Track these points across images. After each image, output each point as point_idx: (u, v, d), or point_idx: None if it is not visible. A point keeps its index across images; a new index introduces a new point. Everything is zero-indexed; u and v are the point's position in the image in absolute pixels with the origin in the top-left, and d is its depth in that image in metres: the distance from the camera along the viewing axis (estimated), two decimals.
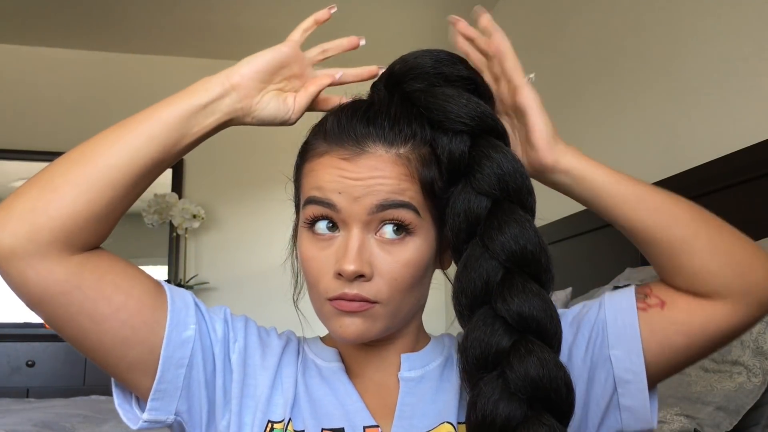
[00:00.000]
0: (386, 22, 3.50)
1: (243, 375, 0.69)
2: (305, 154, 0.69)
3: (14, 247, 0.58)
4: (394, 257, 0.64)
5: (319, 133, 0.68)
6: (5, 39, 3.67)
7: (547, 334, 0.60)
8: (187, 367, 0.65)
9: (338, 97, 0.72)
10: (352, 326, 0.64)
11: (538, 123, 0.68)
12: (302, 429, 0.67)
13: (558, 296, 2.09)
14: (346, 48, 0.73)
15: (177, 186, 3.71)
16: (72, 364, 3.18)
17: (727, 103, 1.80)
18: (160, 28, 3.58)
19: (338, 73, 0.72)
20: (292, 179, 0.72)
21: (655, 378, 0.68)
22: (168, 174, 3.73)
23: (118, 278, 0.62)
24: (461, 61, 0.70)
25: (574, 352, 0.68)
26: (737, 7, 1.77)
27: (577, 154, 0.69)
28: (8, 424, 1.79)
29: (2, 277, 0.60)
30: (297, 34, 0.71)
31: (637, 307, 0.67)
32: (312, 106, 0.71)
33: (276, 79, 0.69)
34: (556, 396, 0.58)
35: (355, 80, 0.73)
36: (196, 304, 0.69)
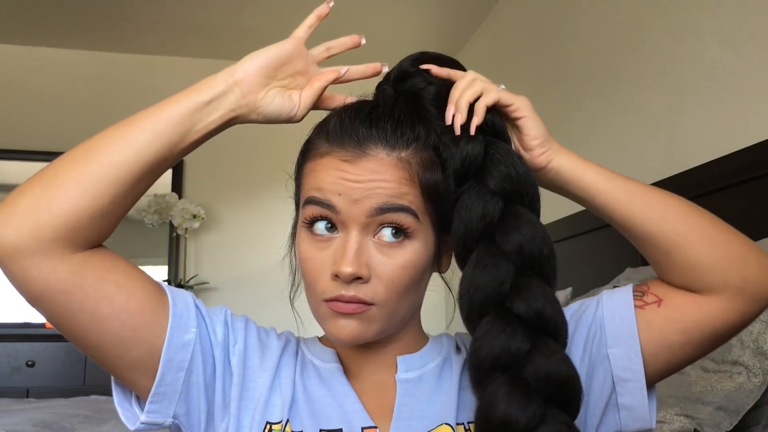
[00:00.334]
0: (386, 22, 3.50)
1: (242, 378, 0.69)
2: (307, 154, 0.69)
3: (17, 244, 0.58)
4: (391, 260, 0.64)
5: (321, 132, 0.68)
6: (5, 39, 3.67)
7: (559, 333, 0.61)
8: (187, 370, 0.65)
9: (343, 96, 0.72)
10: (348, 328, 0.65)
11: (531, 126, 0.69)
12: (300, 430, 0.67)
13: (558, 296, 2.09)
14: (349, 46, 0.73)
15: (177, 186, 3.71)
16: (72, 364, 3.18)
17: (726, 103, 1.80)
18: (160, 28, 3.58)
19: (344, 68, 0.72)
20: (293, 177, 0.73)
21: (653, 377, 0.68)
22: (168, 174, 3.73)
23: (120, 279, 0.62)
24: (458, 63, 0.72)
25: (572, 351, 0.68)
26: (737, 7, 1.77)
27: (569, 154, 0.70)
28: (8, 424, 1.79)
29: (5, 274, 0.60)
30: (301, 31, 0.71)
31: (635, 305, 0.68)
32: (317, 104, 0.71)
33: (280, 76, 0.68)
34: (569, 394, 0.59)
35: (360, 77, 0.73)
36: (197, 307, 0.68)
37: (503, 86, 0.69)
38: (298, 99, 0.69)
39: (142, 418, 0.65)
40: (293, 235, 0.73)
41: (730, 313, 0.66)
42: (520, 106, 0.68)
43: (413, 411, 0.68)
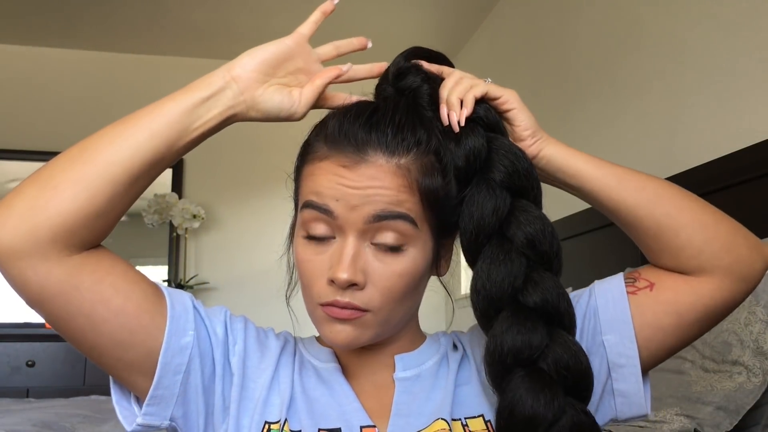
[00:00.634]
0: (386, 22, 3.49)
1: (242, 378, 0.69)
2: (306, 156, 0.69)
3: (14, 245, 0.57)
4: (388, 267, 0.64)
5: (320, 134, 0.68)
6: (5, 39, 3.67)
7: (572, 325, 0.63)
8: (185, 373, 0.65)
9: (344, 95, 0.71)
10: (343, 333, 0.65)
11: (521, 118, 0.69)
12: (299, 429, 0.67)
13: None
14: (356, 47, 0.73)
15: (177, 186, 3.71)
16: (72, 364, 3.18)
17: (726, 103, 1.80)
18: (160, 28, 3.58)
19: (346, 66, 0.71)
20: (293, 177, 0.72)
21: (648, 362, 0.69)
22: (168, 174, 3.73)
23: (118, 281, 0.62)
24: (445, 58, 0.73)
25: None
26: (737, 8, 1.77)
27: (558, 144, 0.70)
28: (8, 424, 1.79)
29: (3, 275, 0.60)
30: (305, 28, 0.70)
31: (627, 291, 0.69)
32: (318, 102, 0.71)
33: (280, 73, 0.67)
34: (584, 384, 0.61)
35: (364, 77, 0.73)
36: (196, 309, 0.68)
37: (490, 80, 0.70)
38: (299, 96, 0.68)
39: (139, 420, 0.64)
40: (291, 234, 0.73)
41: (722, 293, 0.67)
42: (508, 98, 0.69)
43: (411, 408, 0.68)
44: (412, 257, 0.65)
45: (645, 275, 0.71)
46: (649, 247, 0.70)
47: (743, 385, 1.18)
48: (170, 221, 3.52)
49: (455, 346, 0.75)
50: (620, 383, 0.68)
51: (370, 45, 0.73)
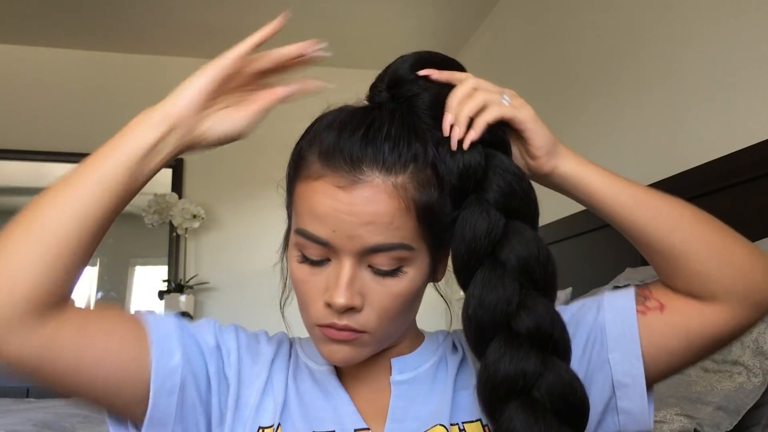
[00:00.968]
0: (386, 22, 3.49)
1: (238, 386, 0.68)
2: (299, 170, 0.66)
3: None
4: (386, 289, 0.63)
5: (313, 147, 0.65)
6: (5, 39, 3.67)
7: (566, 352, 0.61)
8: (179, 392, 0.64)
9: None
10: (341, 353, 0.65)
11: (537, 137, 0.67)
12: None
13: (558, 296, 2.09)
14: (296, 54, 0.67)
15: (177, 186, 3.71)
16: None
17: (726, 103, 1.80)
18: (160, 28, 3.58)
19: (284, 89, 0.67)
20: (284, 183, 0.70)
21: (652, 380, 0.68)
22: (168, 174, 3.73)
23: (93, 325, 0.61)
24: (459, 65, 0.70)
25: (572, 353, 0.68)
26: (736, 8, 1.77)
27: (576, 159, 0.69)
28: (8, 424, 1.79)
29: None
30: (243, 47, 0.67)
31: (637, 310, 0.67)
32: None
33: (219, 99, 0.65)
34: (580, 412, 0.60)
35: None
36: (181, 328, 0.67)
37: (507, 99, 0.66)
38: (242, 118, 0.66)
39: None
40: (285, 245, 0.71)
41: (733, 320, 0.65)
42: (524, 119, 0.66)
43: (407, 412, 0.68)
44: (410, 277, 0.64)
45: (656, 295, 0.69)
46: (662, 268, 0.68)
47: (743, 385, 1.18)
48: (170, 221, 3.52)
49: (455, 347, 0.74)
50: (625, 401, 0.67)
51: (318, 48, 0.67)
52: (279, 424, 0.67)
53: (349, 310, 0.63)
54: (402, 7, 3.39)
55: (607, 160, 2.33)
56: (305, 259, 0.64)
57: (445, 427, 0.66)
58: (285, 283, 0.73)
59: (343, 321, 0.63)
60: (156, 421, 0.63)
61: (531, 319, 0.60)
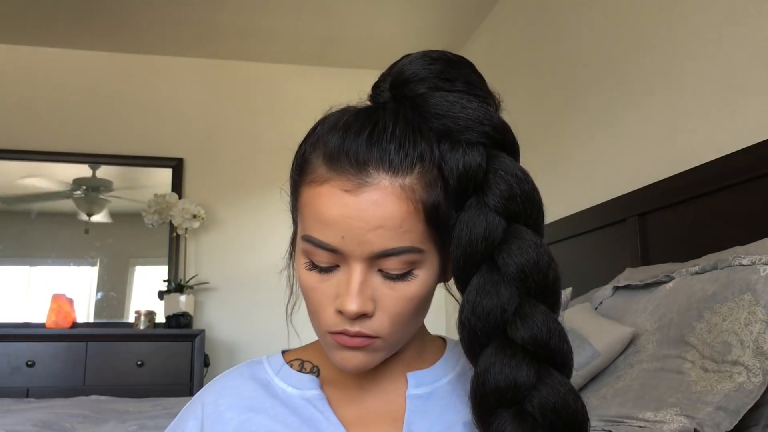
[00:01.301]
0: (386, 22, 3.49)
1: None
2: (304, 174, 0.65)
3: None
4: (397, 293, 0.62)
5: (317, 150, 0.63)
6: (5, 39, 3.67)
7: (565, 364, 0.60)
8: None
9: None
10: (354, 360, 0.63)
11: None
12: None
13: None
14: None
15: (177, 186, 3.71)
16: (72, 364, 3.18)
17: (726, 104, 1.80)
18: (160, 28, 3.58)
19: None
20: (288, 190, 0.69)
21: None
22: (168, 174, 3.73)
23: None
24: (468, 64, 0.67)
25: None
26: (736, 8, 1.77)
27: None
28: (8, 424, 1.79)
29: None
30: None
31: None
32: None
33: None
34: (575, 427, 0.58)
35: None
36: None
37: None
38: None
39: None
40: (292, 251, 0.70)
41: None
42: None
43: (421, 428, 0.66)
44: (421, 280, 0.63)
45: None
46: None
47: (743, 385, 1.18)
48: (170, 221, 3.52)
49: None
50: None
51: None
52: None
53: (361, 316, 0.61)
54: (402, 8, 3.39)
55: (607, 160, 2.33)
56: (314, 266, 0.63)
57: None
58: (291, 289, 0.72)
59: (356, 327, 0.61)
60: None
61: (527, 327, 0.58)
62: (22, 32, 3.60)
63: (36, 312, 3.48)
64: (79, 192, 3.73)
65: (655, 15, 2.13)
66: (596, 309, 1.82)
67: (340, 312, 0.61)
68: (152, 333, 3.34)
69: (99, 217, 3.72)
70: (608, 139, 2.36)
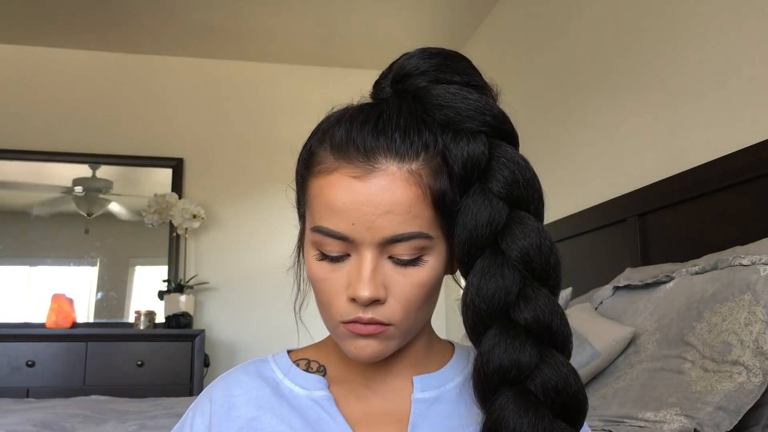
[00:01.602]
0: (386, 22, 3.49)
1: None
2: (311, 167, 0.66)
3: None
4: (408, 279, 0.63)
5: (324, 142, 0.65)
6: (5, 39, 3.67)
7: (565, 346, 0.61)
8: None
9: None
10: (368, 348, 0.64)
11: None
12: None
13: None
14: None
15: (177, 186, 3.71)
16: (72, 364, 3.18)
17: (726, 104, 1.80)
18: (160, 28, 3.58)
19: None
20: (294, 185, 0.70)
21: None
22: (168, 174, 3.73)
23: None
24: (465, 58, 0.68)
25: None
26: (736, 8, 1.77)
27: None
28: (8, 424, 1.79)
29: None
30: None
31: None
32: None
33: None
34: (576, 408, 0.59)
35: None
36: None
37: None
38: None
39: None
40: (299, 247, 0.71)
41: None
42: None
43: None
44: (431, 266, 0.64)
45: None
46: None
47: (743, 385, 1.18)
48: (170, 221, 3.52)
49: None
50: None
51: None
52: None
53: (374, 302, 0.62)
54: (402, 8, 3.39)
55: (607, 160, 2.33)
56: (324, 257, 0.64)
57: None
58: (299, 287, 0.72)
59: (369, 314, 0.62)
60: None
61: (530, 309, 0.59)
62: (22, 32, 3.60)
63: (36, 312, 3.48)
64: (79, 191, 3.74)
65: (655, 15, 2.13)
66: (596, 309, 1.82)
67: (352, 300, 0.62)
68: (152, 333, 3.34)
69: (100, 217, 3.73)
70: (608, 139, 2.36)
